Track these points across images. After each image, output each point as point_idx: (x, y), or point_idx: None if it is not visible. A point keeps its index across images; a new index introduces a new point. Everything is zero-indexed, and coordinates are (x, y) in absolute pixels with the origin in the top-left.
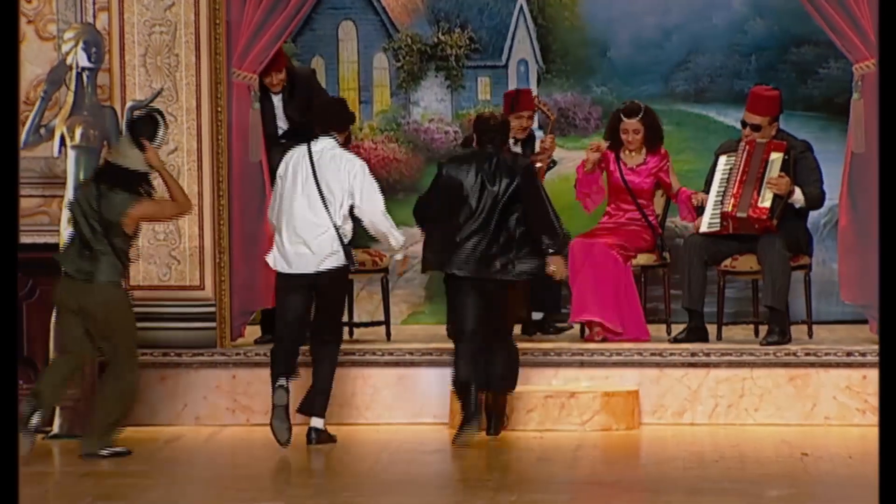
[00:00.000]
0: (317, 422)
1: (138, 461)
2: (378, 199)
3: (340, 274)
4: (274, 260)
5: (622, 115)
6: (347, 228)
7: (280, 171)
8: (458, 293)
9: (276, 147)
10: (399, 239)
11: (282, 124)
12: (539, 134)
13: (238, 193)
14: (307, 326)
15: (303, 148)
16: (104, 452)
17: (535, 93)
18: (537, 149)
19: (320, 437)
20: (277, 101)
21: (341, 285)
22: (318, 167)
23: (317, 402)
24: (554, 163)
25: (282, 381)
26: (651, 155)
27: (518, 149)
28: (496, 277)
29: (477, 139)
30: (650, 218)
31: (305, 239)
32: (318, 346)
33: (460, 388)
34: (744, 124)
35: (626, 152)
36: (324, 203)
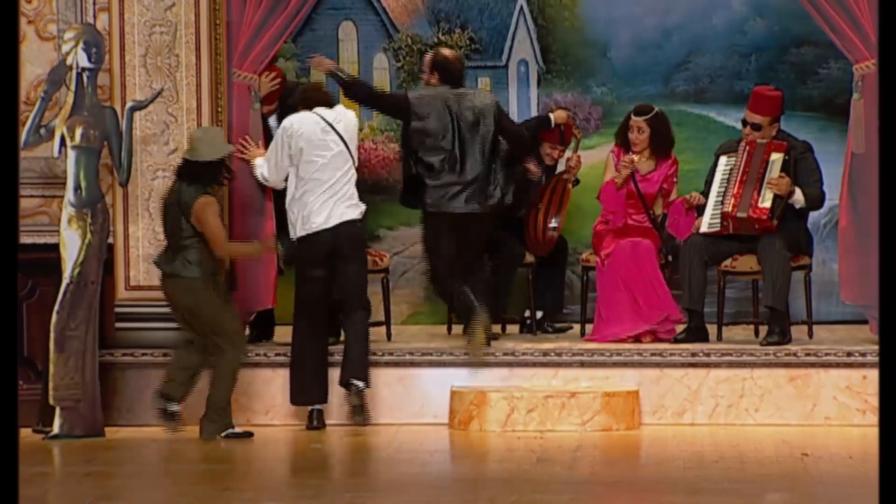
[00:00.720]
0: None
1: (138, 462)
2: None
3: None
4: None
5: (632, 113)
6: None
7: None
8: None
9: None
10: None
11: None
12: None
13: (237, 193)
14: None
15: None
16: (222, 435)
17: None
18: (559, 168)
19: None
20: (273, 121)
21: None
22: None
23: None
24: (577, 181)
25: None
26: (661, 161)
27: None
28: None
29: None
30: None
31: None
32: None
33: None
34: (744, 123)
35: (639, 157)
36: None
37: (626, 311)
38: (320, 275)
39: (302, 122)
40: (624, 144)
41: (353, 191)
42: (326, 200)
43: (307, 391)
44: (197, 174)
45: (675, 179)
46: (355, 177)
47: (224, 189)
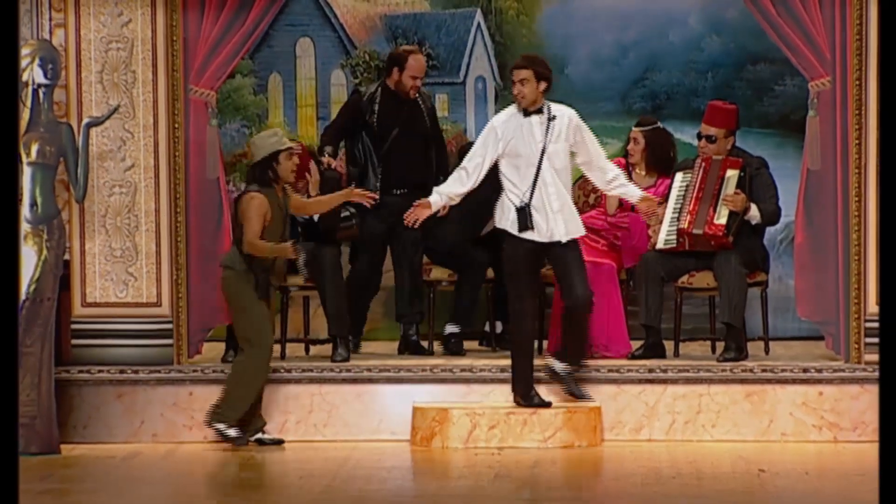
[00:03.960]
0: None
1: (95, 479)
2: None
3: None
4: None
5: (634, 124)
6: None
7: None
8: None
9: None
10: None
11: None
12: None
13: (195, 210)
14: None
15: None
16: (252, 439)
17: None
18: None
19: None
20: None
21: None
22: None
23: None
24: None
25: None
26: (661, 179)
27: None
28: None
29: None
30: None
31: None
32: None
33: None
34: (699, 136)
35: (635, 171)
36: None
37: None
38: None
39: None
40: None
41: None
42: None
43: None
44: (251, 174)
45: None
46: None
47: (182, 207)
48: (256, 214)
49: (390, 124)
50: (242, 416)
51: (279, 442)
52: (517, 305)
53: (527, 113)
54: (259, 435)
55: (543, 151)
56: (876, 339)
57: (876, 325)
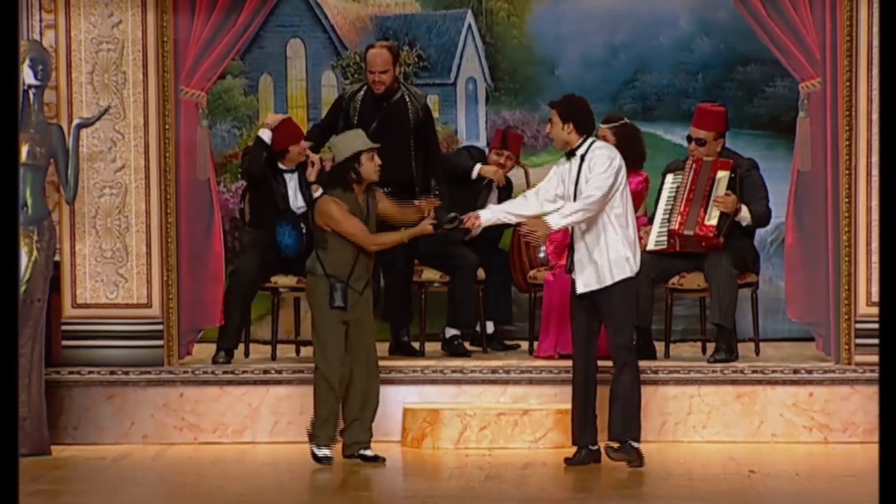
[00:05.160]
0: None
1: (85, 480)
2: None
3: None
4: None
5: (602, 122)
6: None
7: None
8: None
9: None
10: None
11: (299, 203)
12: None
13: (186, 211)
14: None
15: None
16: (357, 453)
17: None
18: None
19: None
20: (290, 178)
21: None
22: None
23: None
24: None
25: None
26: (631, 175)
27: (495, 195)
28: None
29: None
30: None
31: None
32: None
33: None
34: (689, 139)
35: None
36: None
37: (553, 329)
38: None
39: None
40: None
41: None
42: None
43: None
44: (331, 175)
45: (644, 195)
46: None
47: (172, 208)
48: (343, 215)
49: (369, 120)
50: (332, 433)
51: (378, 459)
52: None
53: (569, 154)
54: (362, 451)
55: (574, 196)
56: (866, 341)
57: (866, 326)
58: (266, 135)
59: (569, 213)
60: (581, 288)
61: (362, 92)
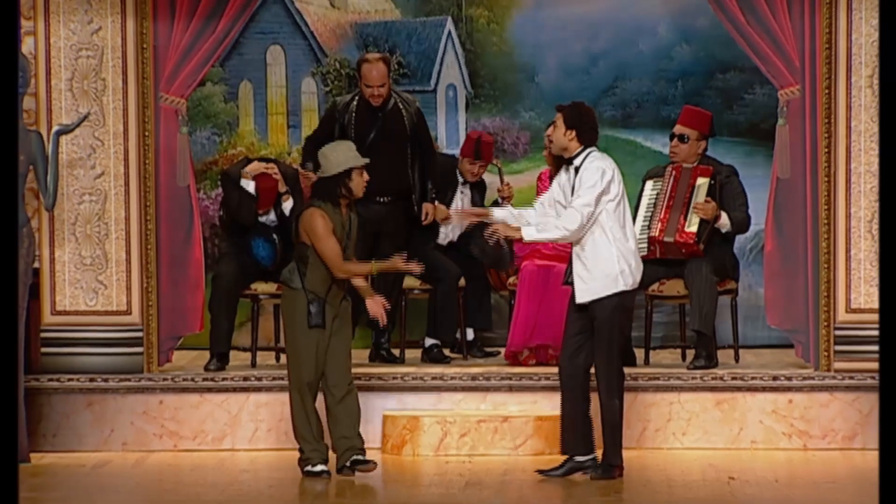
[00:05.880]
0: None
1: (65, 487)
2: None
3: None
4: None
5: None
6: None
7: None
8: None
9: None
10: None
11: (271, 217)
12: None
13: (166, 218)
14: None
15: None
16: (347, 464)
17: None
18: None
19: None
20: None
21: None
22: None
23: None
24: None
25: None
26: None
27: (468, 192)
28: None
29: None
30: None
31: None
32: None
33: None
34: (672, 136)
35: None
36: None
37: (519, 326)
38: None
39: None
40: (556, 165)
41: None
42: None
43: None
44: (318, 187)
45: None
46: None
47: (152, 215)
48: (325, 233)
49: (366, 131)
50: (319, 447)
51: (369, 463)
52: None
53: (566, 163)
54: (354, 456)
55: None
56: (845, 347)
57: (845, 332)
58: (250, 186)
59: (545, 230)
60: (577, 298)
61: (355, 102)
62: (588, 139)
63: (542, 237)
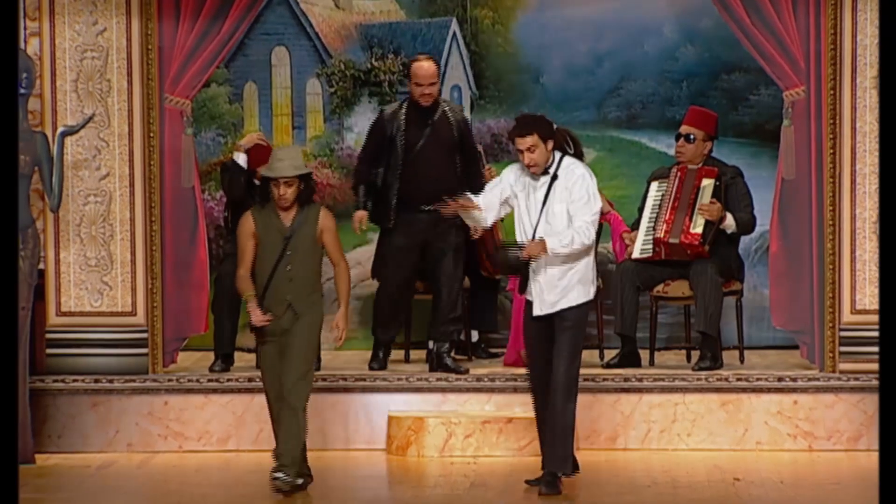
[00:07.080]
0: None
1: (70, 488)
2: None
3: None
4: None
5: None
6: None
7: None
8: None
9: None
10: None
11: None
12: None
13: (170, 219)
14: None
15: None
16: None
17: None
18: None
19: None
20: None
21: None
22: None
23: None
24: None
25: None
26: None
27: None
28: None
29: None
30: None
31: None
32: None
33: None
34: (678, 137)
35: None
36: None
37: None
38: None
39: None
40: None
41: None
42: None
43: None
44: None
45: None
46: None
47: (157, 216)
48: (241, 235)
49: (416, 139)
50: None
51: (301, 486)
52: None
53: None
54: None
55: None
56: (850, 349)
57: (850, 334)
58: (241, 158)
59: (568, 243)
60: (538, 310)
61: (403, 110)
62: (558, 144)
63: (567, 251)
